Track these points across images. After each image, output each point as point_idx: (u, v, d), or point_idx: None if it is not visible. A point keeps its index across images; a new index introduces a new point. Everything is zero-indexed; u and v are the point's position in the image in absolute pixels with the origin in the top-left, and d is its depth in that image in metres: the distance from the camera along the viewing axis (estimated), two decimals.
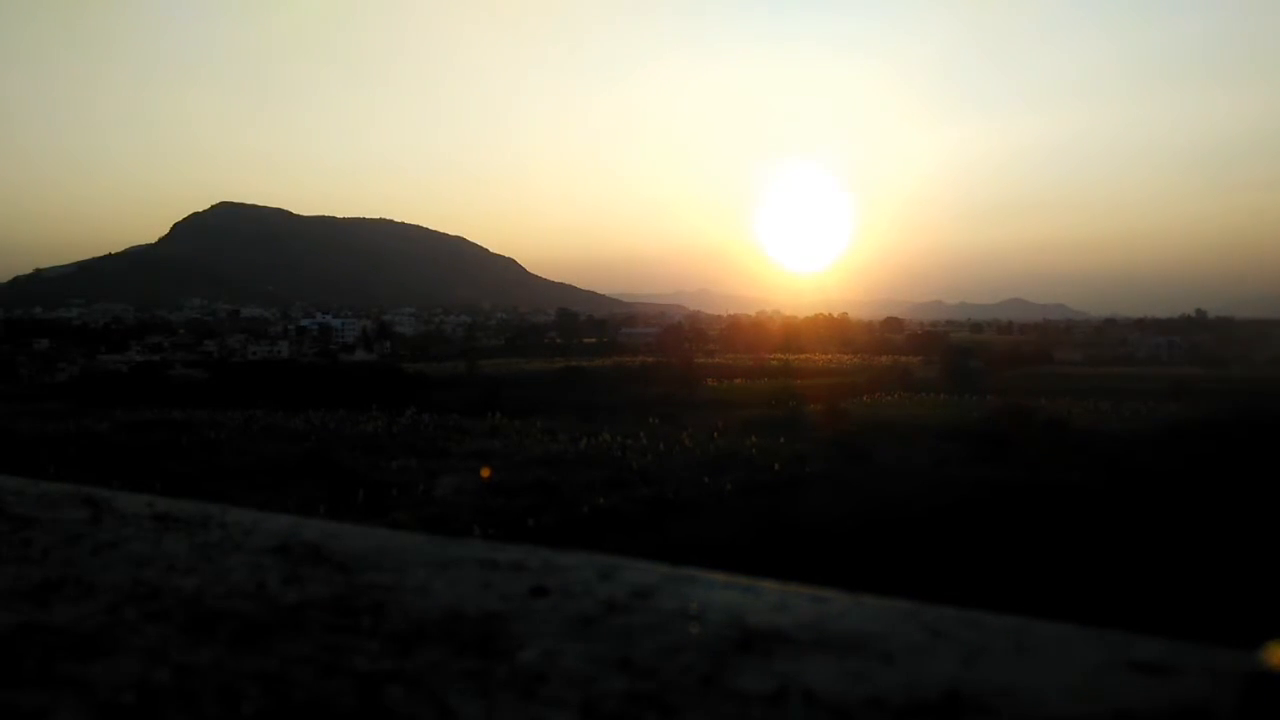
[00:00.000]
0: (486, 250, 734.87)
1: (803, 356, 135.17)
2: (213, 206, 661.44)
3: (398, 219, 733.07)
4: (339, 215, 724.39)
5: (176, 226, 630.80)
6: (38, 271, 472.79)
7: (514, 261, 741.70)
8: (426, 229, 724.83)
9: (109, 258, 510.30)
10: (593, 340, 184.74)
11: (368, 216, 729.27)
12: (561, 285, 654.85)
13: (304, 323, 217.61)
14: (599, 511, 27.08)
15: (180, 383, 70.43)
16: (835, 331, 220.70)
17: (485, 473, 29.81)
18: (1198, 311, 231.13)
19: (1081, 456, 40.22)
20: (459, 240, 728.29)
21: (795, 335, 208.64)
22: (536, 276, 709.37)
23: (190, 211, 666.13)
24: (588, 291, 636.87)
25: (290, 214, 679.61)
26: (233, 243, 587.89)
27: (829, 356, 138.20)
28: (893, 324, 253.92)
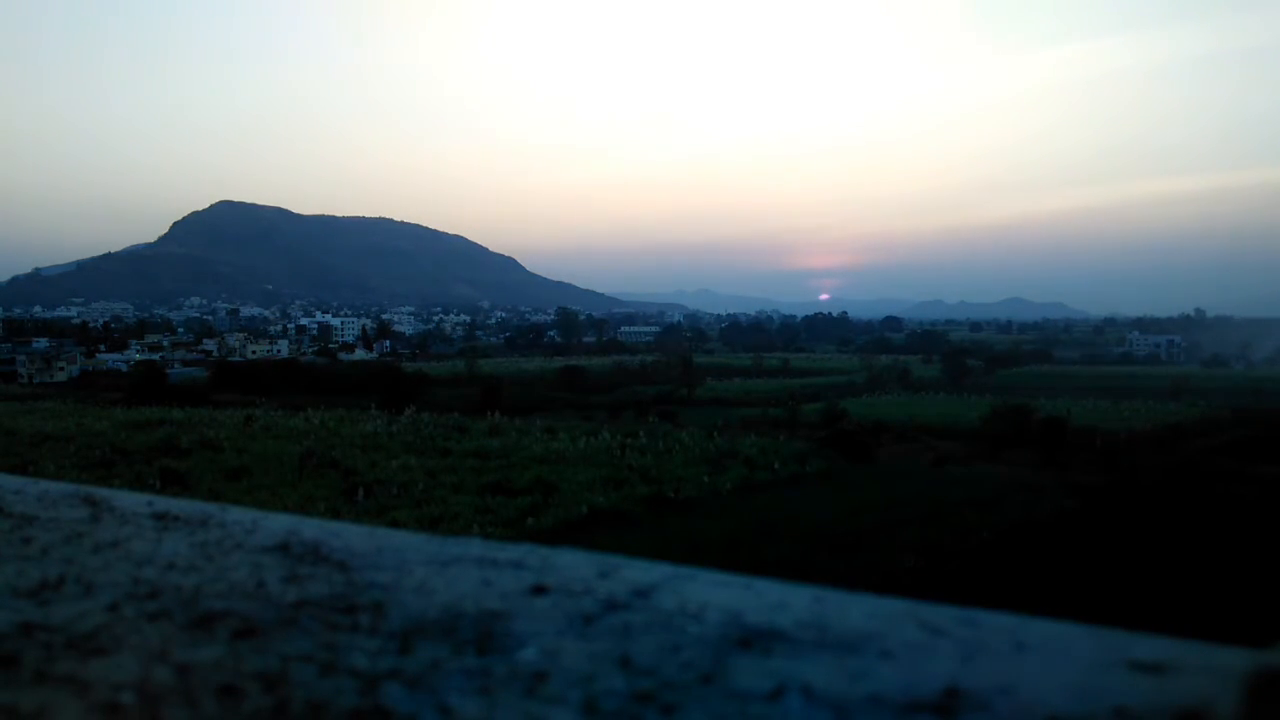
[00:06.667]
0: (486, 249, 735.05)
1: (802, 355, 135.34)
2: (212, 205, 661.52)
3: (397, 218, 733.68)
4: (338, 214, 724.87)
5: (176, 225, 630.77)
6: (37, 271, 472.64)
7: (514, 260, 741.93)
8: (426, 227, 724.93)
9: (108, 257, 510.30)
10: (592, 339, 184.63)
11: (367, 215, 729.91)
12: (561, 284, 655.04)
13: (303, 322, 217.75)
14: (598, 510, 27.12)
15: (180, 382, 70.43)
16: (834, 330, 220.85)
17: None
18: (1196, 310, 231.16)
19: (1081, 454, 40.29)
20: (459, 239, 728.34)
21: (794, 334, 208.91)
22: (536, 275, 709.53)
23: (190, 210, 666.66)
24: (587, 290, 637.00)
25: (290, 213, 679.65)
26: (232, 242, 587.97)
27: (828, 355, 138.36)
28: (892, 323, 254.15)
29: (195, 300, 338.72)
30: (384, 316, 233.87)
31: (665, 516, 26.67)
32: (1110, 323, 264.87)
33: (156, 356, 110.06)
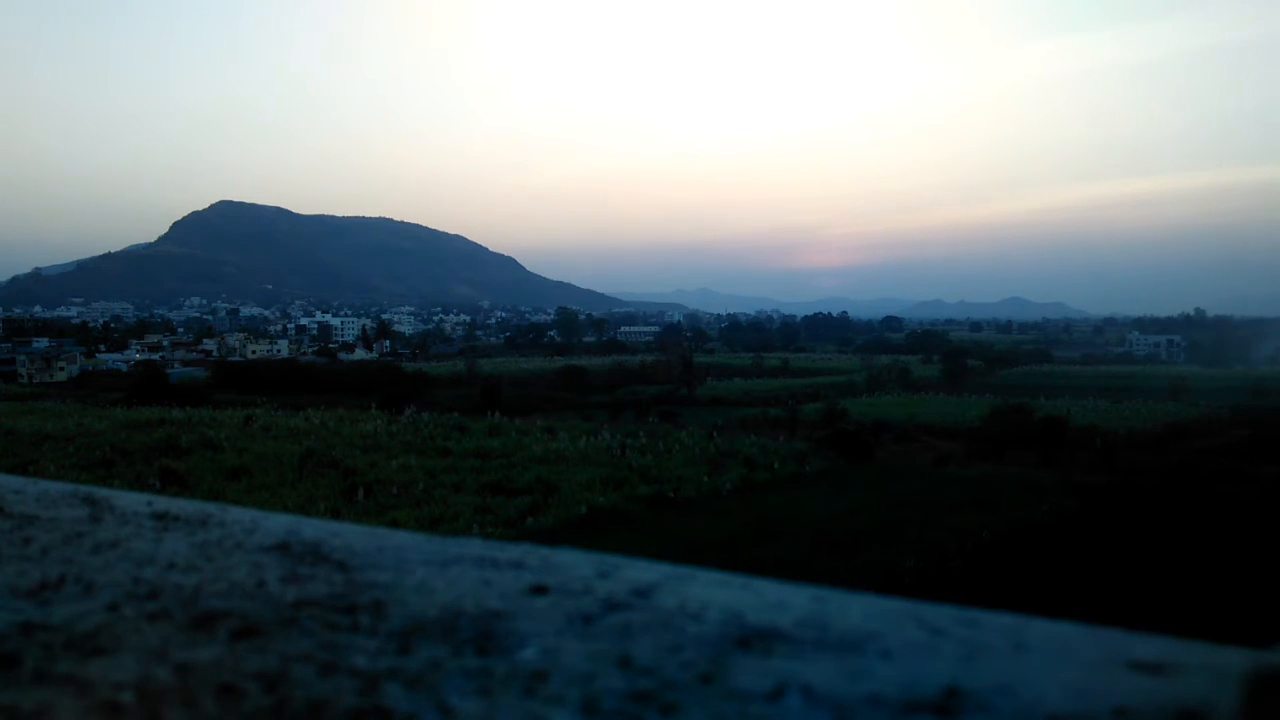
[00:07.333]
0: (486, 249, 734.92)
1: (802, 355, 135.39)
2: (212, 205, 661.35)
3: (397, 217, 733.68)
4: (338, 214, 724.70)
5: (176, 225, 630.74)
6: (37, 271, 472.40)
7: (514, 260, 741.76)
8: (426, 227, 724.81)
9: (108, 257, 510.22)
10: (592, 339, 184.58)
11: (367, 215, 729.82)
12: (561, 284, 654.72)
13: (303, 321, 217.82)
14: (598, 510, 27.11)
15: (180, 382, 70.42)
16: (834, 330, 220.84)
17: None
18: (1196, 310, 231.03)
19: (1081, 454, 40.29)
20: (458, 238, 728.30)
21: (794, 334, 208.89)
22: (536, 275, 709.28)
23: (190, 210, 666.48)
24: (587, 290, 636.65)
25: (289, 212, 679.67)
26: (232, 241, 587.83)
27: (828, 355, 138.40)
28: (892, 323, 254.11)
29: (195, 300, 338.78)
30: (384, 316, 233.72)
31: (665, 516, 26.66)
32: (1110, 323, 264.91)
33: (156, 356, 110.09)
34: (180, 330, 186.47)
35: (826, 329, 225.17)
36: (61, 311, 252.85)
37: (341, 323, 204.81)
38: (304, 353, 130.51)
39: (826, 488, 31.08)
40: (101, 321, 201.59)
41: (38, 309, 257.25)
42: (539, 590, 0.85)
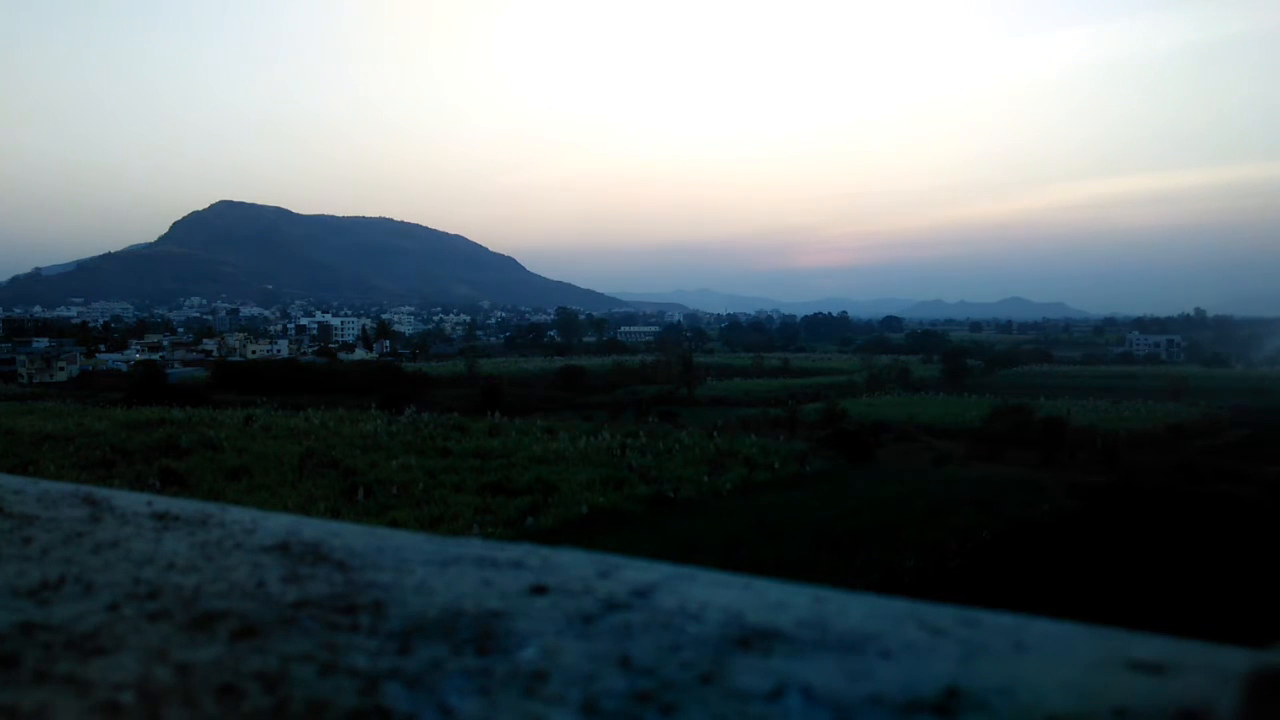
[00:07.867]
0: (486, 249, 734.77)
1: (802, 355, 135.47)
2: (212, 205, 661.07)
3: (397, 217, 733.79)
4: (338, 213, 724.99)
5: (176, 225, 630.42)
6: (37, 271, 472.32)
7: (514, 260, 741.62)
8: (426, 227, 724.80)
9: (108, 257, 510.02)
10: (592, 339, 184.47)
11: (367, 215, 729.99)
12: (561, 284, 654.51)
13: (303, 321, 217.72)
14: (598, 510, 27.11)
15: (180, 382, 70.42)
16: (834, 330, 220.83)
17: None
18: (1196, 310, 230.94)
19: (1081, 454, 40.29)
20: (458, 238, 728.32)
21: (794, 334, 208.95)
22: (536, 275, 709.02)
23: (190, 210, 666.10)
24: (587, 290, 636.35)
25: (289, 212, 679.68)
26: (232, 242, 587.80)
27: (828, 355, 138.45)
28: (892, 323, 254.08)
29: (195, 300, 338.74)
30: (384, 316, 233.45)
31: (665, 516, 26.66)
32: (1110, 323, 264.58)
33: (156, 356, 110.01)
34: (180, 330, 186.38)
35: (826, 329, 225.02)
36: (61, 311, 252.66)
37: (341, 323, 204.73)
38: (304, 353, 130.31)
39: (826, 488, 31.08)
40: (101, 321, 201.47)
41: (38, 309, 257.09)
42: (539, 590, 0.85)
